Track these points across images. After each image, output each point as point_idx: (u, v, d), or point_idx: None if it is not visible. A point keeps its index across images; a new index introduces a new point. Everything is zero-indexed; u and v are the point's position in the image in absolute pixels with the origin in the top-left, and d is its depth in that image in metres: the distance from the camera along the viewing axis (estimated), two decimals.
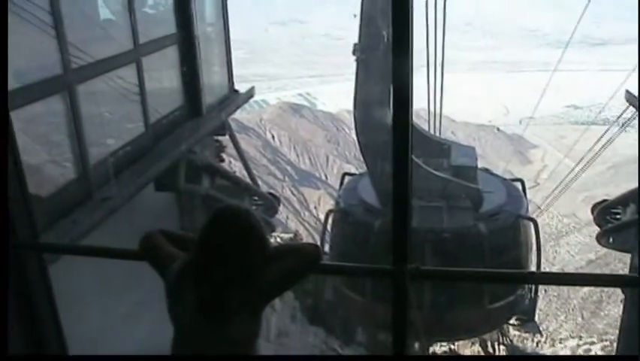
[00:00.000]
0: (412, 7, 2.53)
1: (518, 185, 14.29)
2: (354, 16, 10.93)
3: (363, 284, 12.22)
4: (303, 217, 45.11)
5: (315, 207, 47.37)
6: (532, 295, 13.56)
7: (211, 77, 10.21)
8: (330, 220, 13.74)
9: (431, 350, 17.04)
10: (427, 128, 15.13)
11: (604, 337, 23.42)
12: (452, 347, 19.80)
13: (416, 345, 12.19)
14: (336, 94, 76.22)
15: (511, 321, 14.61)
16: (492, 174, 14.99)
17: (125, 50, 7.68)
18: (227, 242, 2.58)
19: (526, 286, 12.96)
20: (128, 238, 3.24)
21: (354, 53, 11.17)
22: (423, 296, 11.39)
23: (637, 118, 11.19)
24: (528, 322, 14.98)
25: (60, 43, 6.19)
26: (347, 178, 14.98)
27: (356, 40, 11.22)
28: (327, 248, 13.68)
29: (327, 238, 13.92)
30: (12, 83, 5.44)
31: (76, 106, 6.47)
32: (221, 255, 2.58)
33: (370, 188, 12.51)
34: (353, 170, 33.78)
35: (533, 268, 12.84)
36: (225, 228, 2.60)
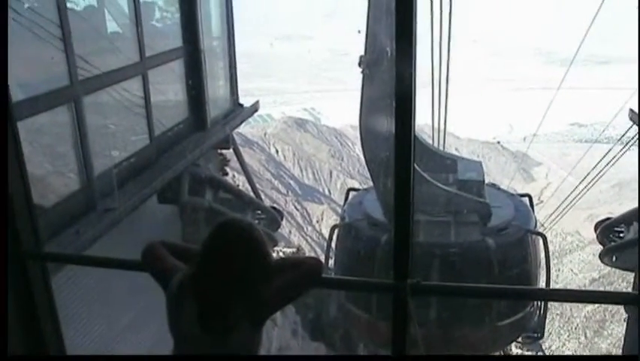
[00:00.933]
0: (415, 22, 2.55)
1: (526, 200, 14.19)
2: (359, 32, 10.93)
3: (369, 301, 12.11)
4: (306, 232, 44.96)
5: (318, 222, 47.19)
6: (541, 312, 13.37)
7: (216, 91, 10.27)
8: (334, 235, 13.65)
9: None
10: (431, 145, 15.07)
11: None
12: None
13: None
14: (341, 109, 76.18)
15: (518, 339, 14.39)
16: (499, 189, 14.88)
17: (131, 63, 7.74)
18: (230, 255, 2.58)
19: (536, 303, 12.80)
20: (131, 249, 3.25)
21: (359, 64, 11.14)
22: (428, 313, 11.28)
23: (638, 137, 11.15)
24: (537, 340, 14.75)
25: (67, 55, 6.25)
26: (352, 194, 14.91)
27: (362, 53, 11.19)
28: (331, 263, 13.59)
29: (332, 253, 13.82)
30: (19, 95, 5.48)
31: (81, 117, 6.52)
32: (223, 267, 2.58)
33: (376, 203, 12.40)
34: (357, 185, 33.68)
35: (542, 285, 12.69)
36: (228, 241, 2.60)
